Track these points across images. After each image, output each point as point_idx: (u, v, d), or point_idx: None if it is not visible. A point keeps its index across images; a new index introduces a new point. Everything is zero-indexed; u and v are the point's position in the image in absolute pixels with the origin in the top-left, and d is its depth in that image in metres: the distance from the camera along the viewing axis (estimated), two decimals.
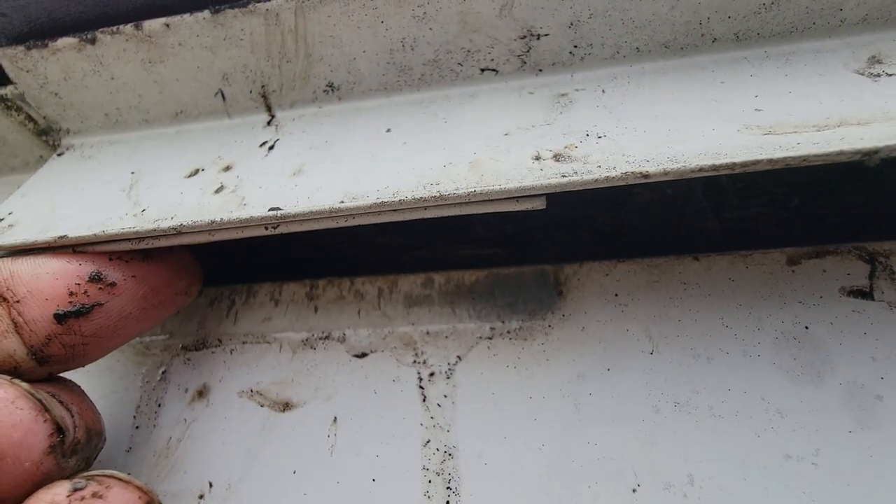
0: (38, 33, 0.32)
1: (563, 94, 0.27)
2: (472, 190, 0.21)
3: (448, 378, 0.27)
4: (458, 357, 0.27)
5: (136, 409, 0.29)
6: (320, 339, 0.30)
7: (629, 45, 0.27)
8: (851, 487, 0.22)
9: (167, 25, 0.29)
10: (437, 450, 0.26)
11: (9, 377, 0.22)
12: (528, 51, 0.27)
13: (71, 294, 0.23)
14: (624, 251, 0.28)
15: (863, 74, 0.23)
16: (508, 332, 0.28)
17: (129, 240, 0.25)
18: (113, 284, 0.24)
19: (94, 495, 0.21)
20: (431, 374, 0.27)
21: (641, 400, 0.25)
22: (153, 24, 0.29)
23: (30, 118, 0.36)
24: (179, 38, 0.29)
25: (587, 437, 0.25)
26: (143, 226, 0.24)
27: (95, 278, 0.24)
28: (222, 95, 0.31)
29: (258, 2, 0.28)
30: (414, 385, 0.27)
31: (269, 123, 0.31)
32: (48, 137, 0.36)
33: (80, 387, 0.26)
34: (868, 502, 0.21)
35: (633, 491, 0.23)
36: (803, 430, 0.23)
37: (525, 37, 0.27)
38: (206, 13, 0.29)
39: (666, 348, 0.25)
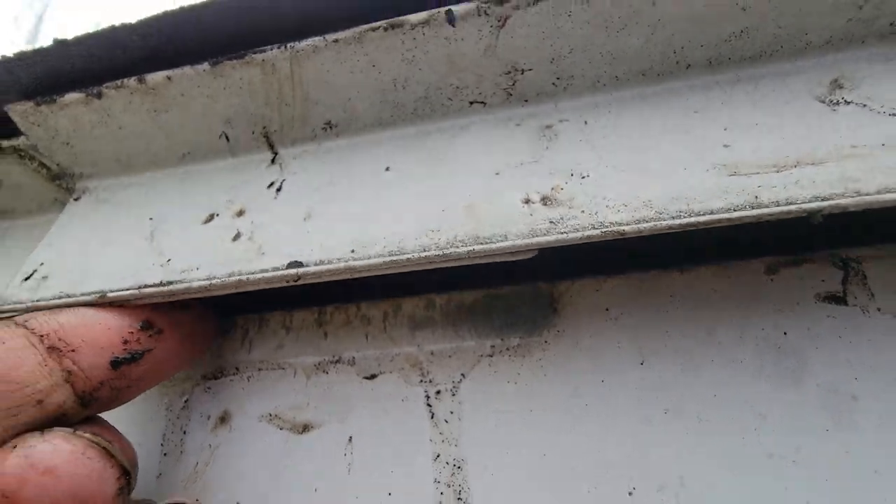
0: (44, 89, 0.34)
1: (548, 126, 0.28)
2: (471, 249, 0.24)
3: (454, 395, 0.29)
4: (462, 375, 0.29)
5: (162, 437, 0.31)
6: (331, 362, 0.31)
7: (608, 74, 0.28)
8: (830, 483, 0.23)
9: (169, 78, 0.31)
10: (447, 463, 0.27)
11: (70, 429, 0.23)
12: (513, 84, 0.29)
13: (125, 342, 0.25)
14: (612, 266, 0.30)
15: (823, 102, 0.24)
16: (508, 349, 0.29)
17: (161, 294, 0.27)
18: (160, 332, 0.26)
19: None
20: (438, 392, 0.29)
21: (634, 409, 0.26)
22: (156, 77, 0.31)
23: (43, 165, 0.37)
24: (181, 90, 0.31)
25: (585, 444, 0.26)
26: (174, 283, 0.27)
27: (146, 327, 0.26)
28: (226, 137, 0.33)
29: (254, 53, 0.30)
30: (422, 403, 0.29)
31: (273, 161, 0.32)
32: (62, 181, 0.38)
33: (108, 422, 0.27)
34: (846, 496, 0.23)
35: (630, 493, 0.25)
36: (784, 430, 0.25)
37: (510, 72, 0.29)
38: (206, 65, 0.30)
39: (655, 359, 0.27)
